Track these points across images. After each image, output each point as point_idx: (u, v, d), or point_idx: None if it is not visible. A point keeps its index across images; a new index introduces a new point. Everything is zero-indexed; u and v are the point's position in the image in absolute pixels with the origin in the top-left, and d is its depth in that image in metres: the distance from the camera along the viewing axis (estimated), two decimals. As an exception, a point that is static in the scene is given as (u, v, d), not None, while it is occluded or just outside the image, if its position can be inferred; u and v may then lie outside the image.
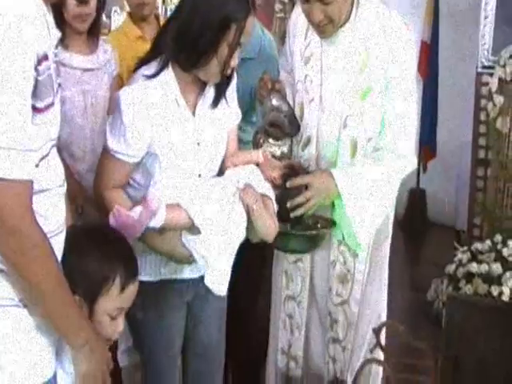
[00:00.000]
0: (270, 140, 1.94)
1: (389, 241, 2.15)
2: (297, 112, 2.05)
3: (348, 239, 2.00)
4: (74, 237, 1.34)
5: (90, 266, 1.34)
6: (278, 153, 1.95)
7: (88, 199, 2.05)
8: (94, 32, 2.24)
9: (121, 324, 1.40)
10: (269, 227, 1.72)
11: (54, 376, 1.28)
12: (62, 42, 2.11)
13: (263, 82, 1.98)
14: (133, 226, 1.56)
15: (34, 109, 1.13)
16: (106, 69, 2.26)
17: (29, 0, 1.11)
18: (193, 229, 1.63)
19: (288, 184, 1.86)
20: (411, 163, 2.02)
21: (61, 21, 2.05)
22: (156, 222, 1.58)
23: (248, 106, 2.20)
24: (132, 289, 1.40)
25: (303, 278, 2.11)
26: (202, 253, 1.63)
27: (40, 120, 1.15)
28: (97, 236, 1.43)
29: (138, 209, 1.58)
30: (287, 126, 1.93)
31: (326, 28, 1.92)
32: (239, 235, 1.69)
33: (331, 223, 1.97)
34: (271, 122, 1.93)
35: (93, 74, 2.21)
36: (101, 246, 1.38)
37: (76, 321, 1.25)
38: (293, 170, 1.91)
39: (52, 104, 1.18)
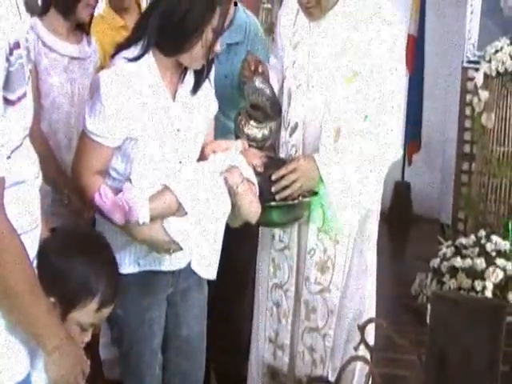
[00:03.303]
0: (252, 122, 1.93)
1: (374, 230, 2.14)
2: (285, 98, 2.05)
3: (329, 221, 1.99)
4: (64, 240, 1.31)
5: (75, 276, 1.31)
6: (259, 135, 1.95)
7: (74, 189, 2.03)
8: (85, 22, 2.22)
9: (89, 335, 1.37)
10: (253, 208, 1.72)
11: (28, 376, 1.24)
12: (51, 27, 2.10)
13: (247, 62, 1.97)
14: (118, 213, 1.54)
15: (6, 101, 1.09)
16: (91, 59, 2.23)
17: None
18: (177, 213, 1.62)
19: (273, 177, 1.86)
20: (395, 151, 2.01)
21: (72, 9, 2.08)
22: (141, 219, 1.56)
23: (237, 92, 2.18)
24: (107, 310, 1.38)
25: (290, 265, 2.11)
26: (186, 237, 1.61)
27: (11, 112, 1.10)
28: (88, 247, 1.39)
29: (122, 197, 1.55)
30: (269, 109, 1.93)
31: (313, 10, 1.93)
32: (224, 217, 1.68)
33: (312, 193, 1.95)
34: (253, 104, 1.93)
35: (79, 63, 2.18)
36: (91, 260, 1.35)
37: (48, 323, 1.21)
38: (272, 159, 1.90)
39: (24, 95, 1.13)
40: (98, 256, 1.38)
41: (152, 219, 1.57)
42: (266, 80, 1.95)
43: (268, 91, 1.92)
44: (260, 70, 1.94)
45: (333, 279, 2.06)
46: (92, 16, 2.22)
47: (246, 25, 2.31)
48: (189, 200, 1.60)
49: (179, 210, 1.61)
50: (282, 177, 1.87)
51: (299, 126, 2.03)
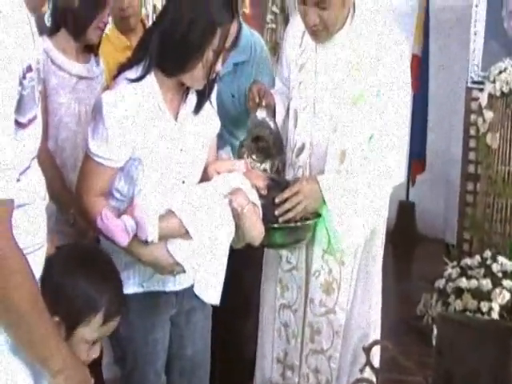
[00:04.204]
0: (254, 156, 1.95)
1: (380, 250, 2.13)
2: (291, 119, 2.06)
3: (334, 243, 1.99)
4: (66, 258, 1.31)
5: (78, 294, 1.31)
6: (261, 169, 1.96)
7: (78, 210, 2.02)
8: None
9: (97, 350, 1.37)
10: (257, 230, 1.71)
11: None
12: (60, 46, 2.13)
13: (251, 93, 1.97)
14: (120, 236, 1.54)
15: (17, 124, 1.10)
16: (98, 80, 2.25)
17: (15, 12, 1.07)
18: (184, 236, 1.61)
19: (277, 200, 1.86)
20: (399, 175, 2.01)
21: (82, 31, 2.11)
22: (150, 236, 1.55)
23: (243, 112, 2.19)
24: (113, 323, 1.38)
25: (299, 286, 2.10)
26: (190, 260, 1.61)
27: (22, 135, 1.12)
28: (89, 262, 1.38)
29: (126, 218, 1.55)
30: (271, 144, 1.94)
31: (320, 33, 1.94)
32: (228, 240, 1.67)
33: (315, 215, 1.95)
34: (256, 136, 1.93)
35: (87, 82, 2.20)
36: (92, 275, 1.34)
37: (53, 345, 1.20)
38: (275, 181, 1.91)
39: (35, 117, 1.15)
40: (99, 270, 1.38)
41: (159, 239, 1.56)
42: (271, 113, 1.96)
43: (272, 125, 1.94)
44: (264, 103, 1.94)
45: (338, 300, 2.05)
46: (101, 37, 2.24)
47: (251, 43, 2.33)
48: (194, 224, 1.59)
49: (187, 234, 1.60)
50: (286, 199, 1.87)
51: (306, 148, 2.03)
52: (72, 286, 1.31)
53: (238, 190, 1.71)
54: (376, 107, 1.94)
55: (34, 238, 1.21)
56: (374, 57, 1.94)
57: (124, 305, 1.42)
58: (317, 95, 2.02)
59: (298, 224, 1.91)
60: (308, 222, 1.93)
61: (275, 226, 1.87)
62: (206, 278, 1.63)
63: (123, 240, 1.55)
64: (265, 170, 1.98)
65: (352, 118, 1.96)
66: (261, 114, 1.94)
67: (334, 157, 1.98)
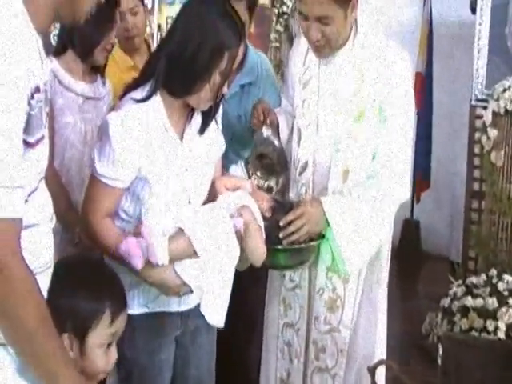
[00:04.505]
0: (258, 173, 1.95)
1: (385, 269, 2.12)
2: (295, 136, 2.07)
3: (338, 263, 1.98)
4: (60, 272, 1.30)
5: (79, 303, 1.31)
6: (265, 186, 1.96)
7: (84, 230, 2.02)
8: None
9: (114, 353, 1.37)
10: (259, 249, 1.71)
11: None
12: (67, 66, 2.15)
13: (256, 111, 1.98)
14: (138, 260, 1.54)
15: (25, 144, 1.11)
16: (104, 100, 2.27)
17: (23, 34, 1.09)
18: (193, 256, 1.61)
19: (281, 223, 1.86)
20: (403, 194, 2.01)
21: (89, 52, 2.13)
22: (161, 260, 1.54)
23: (249, 132, 2.19)
24: (122, 318, 1.38)
25: (301, 305, 2.09)
26: (197, 281, 1.61)
27: (30, 155, 1.13)
28: (83, 271, 1.39)
29: (142, 242, 1.55)
30: (276, 161, 1.95)
31: (322, 48, 1.95)
32: (234, 261, 1.67)
33: (319, 236, 1.95)
34: (261, 154, 1.94)
35: (93, 103, 2.22)
36: (88, 280, 1.35)
37: (61, 363, 1.19)
38: (279, 203, 1.91)
39: (42, 138, 1.16)
40: (91, 273, 1.38)
41: (170, 261, 1.56)
42: (275, 131, 1.97)
43: (276, 143, 1.95)
44: (269, 121, 1.95)
45: (342, 318, 2.04)
46: (107, 58, 2.26)
47: (257, 64, 2.34)
48: (201, 243, 1.59)
49: (194, 254, 1.60)
50: (290, 222, 1.87)
51: (309, 165, 2.03)
52: (72, 297, 1.31)
53: (245, 207, 1.71)
54: (378, 125, 1.95)
55: (40, 260, 1.21)
56: (376, 74, 1.95)
57: (126, 297, 1.42)
58: (319, 113, 2.03)
59: (303, 245, 1.91)
60: (312, 243, 1.93)
61: (279, 247, 1.86)
62: (211, 299, 1.62)
63: (140, 264, 1.55)
64: (269, 188, 1.98)
65: (354, 136, 1.96)
66: (265, 131, 1.95)
67: (336, 175, 1.98)
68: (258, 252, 1.71)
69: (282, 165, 2.00)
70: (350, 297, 2.04)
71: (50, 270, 1.26)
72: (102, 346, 1.33)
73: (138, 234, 1.58)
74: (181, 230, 1.59)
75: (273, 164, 1.97)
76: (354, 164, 1.97)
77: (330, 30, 1.89)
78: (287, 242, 1.88)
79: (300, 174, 2.06)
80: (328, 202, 1.92)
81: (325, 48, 1.95)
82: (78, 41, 2.13)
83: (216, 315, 1.64)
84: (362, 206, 1.93)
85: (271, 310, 2.19)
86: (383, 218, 1.98)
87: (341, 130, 1.98)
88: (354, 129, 1.96)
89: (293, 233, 1.88)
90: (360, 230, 1.93)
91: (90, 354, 1.31)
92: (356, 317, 2.06)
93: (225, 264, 1.64)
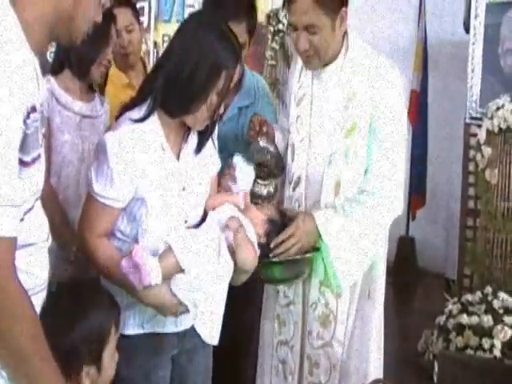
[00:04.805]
0: (258, 180, 1.97)
1: (379, 287, 2.12)
2: (289, 153, 2.09)
3: (330, 278, 1.99)
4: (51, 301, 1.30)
5: (90, 329, 1.34)
6: (265, 192, 1.99)
7: (81, 249, 2.02)
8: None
9: (116, 356, 1.43)
10: (249, 255, 1.69)
11: None
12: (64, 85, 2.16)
13: (252, 123, 2.01)
14: (137, 276, 1.53)
15: (21, 163, 1.11)
16: (102, 119, 2.27)
17: (19, 54, 1.09)
18: (180, 271, 1.60)
19: (272, 244, 1.88)
20: (397, 208, 2.02)
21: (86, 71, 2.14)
22: (154, 280, 1.54)
23: (246, 153, 2.21)
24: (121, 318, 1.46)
25: (295, 321, 2.09)
26: (192, 299, 1.60)
27: (26, 174, 1.13)
28: (80, 298, 1.40)
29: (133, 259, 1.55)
30: (273, 167, 1.97)
31: (311, 59, 1.98)
32: (227, 278, 1.66)
33: (314, 248, 1.96)
34: (258, 162, 1.96)
35: (90, 121, 2.23)
36: (90, 304, 1.37)
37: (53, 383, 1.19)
38: (274, 223, 1.92)
39: (38, 157, 1.16)
40: (88, 297, 1.41)
41: (162, 279, 1.56)
42: (271, 139, 1.99)
43: (272, 150, 1.97)
44: (264, 130, 1.98)
45: (335, 333, 2.04)
46: (106, 77, 2.27)
47: (254, 86, 2.35)
48: (188, 259, 1.58)
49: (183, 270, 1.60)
50: (281, 242, 1.89)
51: (302, 180, 2.05)
52: (80, 330, 1.33)
53: (232, 217, 1.71)
54: (370, 139, 1.97)
55: (35, 280, 1.20)
56: (368, 89, 1.97)
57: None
58: (312, 128, 2.05)
59: (297, 257, 1.92)
60: (307, 255, 1.95)
61: (274, 259, 1.88)
62: (204, 317, 1.62)
63: (138, 281, 1.54)
64: (270, 195, 1.99)
65: (346, 150, 1.98)
66: (261, 142, 1.97)
67: (328, 188, 2.00)
68: (249, 256, 1.69)
69: (279, 168, 2.03)
70: (342, 312, 2.04)
71: (45, 292, 1.25)
72: (113, 354, 1.40)
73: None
74: (169, 247, 1.59)
75: (271, 171, 1.99)
76: (345, 178, 1.99)
77: (318, 40, 1.92)
78: (279, 259, 1.89)
79: (293, 189, 2.08)
80: (321, 216, 1.94)
81: (314, 58, 1.98)
82: (75, 60, 2.14)
83: (210, 333, 1.63)
84: (354, 220, 1.94)
85: (266, 328, 2.19)
86: (377, 232, 2.00)
87: (332, 145, 2.00)
88: (345, 143, 1.98)
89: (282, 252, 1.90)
90: (353, 244, 1.94)
91: (106, 368, 1.37)
92: (350, 332, 2.06)
93: (219, 280, 1.63)
